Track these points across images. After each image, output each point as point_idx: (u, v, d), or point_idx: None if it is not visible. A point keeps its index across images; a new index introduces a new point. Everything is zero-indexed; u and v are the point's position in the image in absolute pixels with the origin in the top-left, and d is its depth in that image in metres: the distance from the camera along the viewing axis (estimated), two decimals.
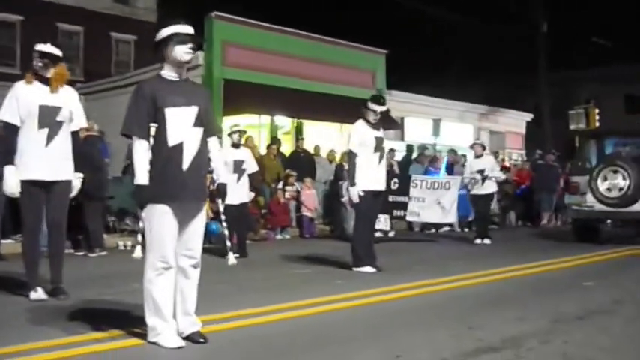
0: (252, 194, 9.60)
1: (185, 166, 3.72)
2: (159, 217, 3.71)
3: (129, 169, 12.51)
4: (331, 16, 29.69)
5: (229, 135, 9.25)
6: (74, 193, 5.50)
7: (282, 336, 4.12)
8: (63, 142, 5.29)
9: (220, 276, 6.01)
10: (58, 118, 5.23)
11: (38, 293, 5.26)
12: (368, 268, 7.19)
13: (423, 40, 30.62)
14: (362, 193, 7.18)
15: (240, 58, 15.38)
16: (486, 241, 11.15)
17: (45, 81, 5.26)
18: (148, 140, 3.74)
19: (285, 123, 16.92)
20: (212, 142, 3.96)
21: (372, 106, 7.42)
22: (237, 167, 8.92)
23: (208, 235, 10.85)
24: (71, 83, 5.50)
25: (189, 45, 3.77)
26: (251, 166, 9.20)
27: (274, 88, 15.57)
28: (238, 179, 8.88)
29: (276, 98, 15.25)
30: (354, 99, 17.93)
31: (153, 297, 3.73)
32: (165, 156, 3.72)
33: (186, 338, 3.78)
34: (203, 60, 15.62)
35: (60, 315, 4.66)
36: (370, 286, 6.07)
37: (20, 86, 5.26)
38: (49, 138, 5.19)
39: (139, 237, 3.91)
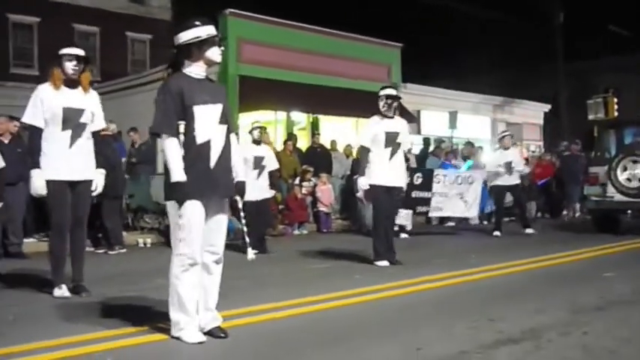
0: (273, 191, 9.61)
1: (212, 163, 3.78)
2: (188, 214, 3.74)
3: (134, 169, 12.63)
4: (345, 10, 29.66)
5: (250, 132, 9.27)
6: (99, 189, 5.60)
7: (302, 330, 4.16)
8: (85, 143, 5.41)
9: (239, 272, 6.05)
10: (82, 120, 5.36)
11: (62, 290, 5.36)
12: (385, 263, 7.20)
13: (438, 33, 30.49)
14: (367, 187, 7.22)
15: (255, 54, 15.43)
16: (529, 230, 11.18)
17: (71, 83, 5.38)
18: (178, 138, 3.78)
19: (300, 118, 16.95)
20: (231, 138, 4.00)
21: (380, 92, 7.47)
22: (258, 163, 8.94)
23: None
24: (89, 84, 5.60)
25: (221, 47, 3.89)
26: (271, 163, 9.22)
27: (290, 83, 15.60)
28: (258, 175, 8.91)
29: (291, 94, 15.28)
30: (370, 93, 17.91)
31: (178, 292, 3.76)
32: (193, 154, 3.76)
33: (207, 333, 3.82)
34: None
35: (84, 311, 4.74)
36: (389, 280, 6.08)
37: (44, 89, 5.35)
38: (73, 139, 5.31)
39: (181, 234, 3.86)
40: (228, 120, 3.91)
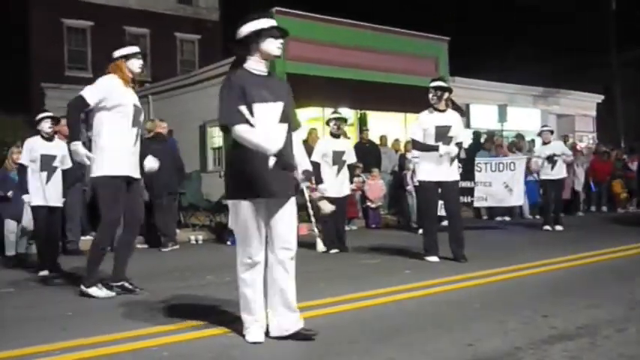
0: (354, 186, 9.28)
1: (271, 162, 3.60)
2: (244, 214, 3.67)
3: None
4: (391, 4, 29.47)
5: (327, 123, 8.92)
6: (155, 165, 5.67)
7: (352, 326, 4.16)
8: (139, 142, 5.55)
9: None
10: (141, 119, 5.55)
11: (103, 291, 5.35)
12: (435, 258, 7.15)
13: (486, 25, 30.02)
14: (415, 183, 7.15)
15: (302, 51, 15.48)
16: (558, 227, 10.91)
17: (132, 82, 5.56)
18: (249, 124, 3.62)
19: (348, 115, 16.93)
20: (295, 136, 3.86)
21: (430, 85, 7.35)
22: (338, 159, 8.47)
23: None
24: (141, 84, 5.75)
25: (281, 40, 3.75)
26: (351, 157, 8.75)
27: (337, 80, 15.61)
28: (338, 172, 8.48)
29: (339, 90, 15.28)
30: (418, 88, 17.82)
31: (242, 292, 3.76)
32: (250, 152, 3.60)
33: (293, 337, 3.72)
34: None
35: (138, 307, 4.86)
36: (439, 275, 6.05)
37: (117, 84, 5.37)
38: (137, 137, 5.47)
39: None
40: (289, 118, 3.76)
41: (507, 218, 13.37)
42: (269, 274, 3.76)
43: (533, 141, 15.43)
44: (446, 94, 7.33)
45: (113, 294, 5.37)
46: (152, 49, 26.36)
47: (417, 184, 7.41)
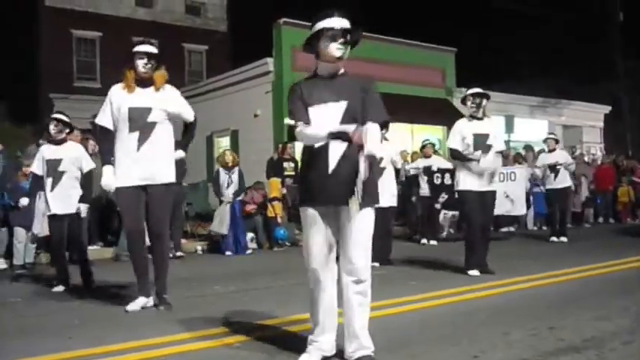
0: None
1: (331, 168, 3.34)
2: (304, 221, 3.49)
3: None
4: (398, 16, 29.56)
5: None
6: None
7: None
8: (157, 144, 5.15)
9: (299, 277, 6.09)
10: (150, 119, 5.12)
11: (134, 304, 5.20)
12: (474, 272, 6.87)
13: (492, 36, 30.04)
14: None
15: (309, 63, 15.28)
16: (563, 239, 10.88)
17: (144, 82, 5.21)
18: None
19: None
20: (370, 125, 3.29)
21: (467, 92, 7.20)
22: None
23: (276, 239, 11.06)
24: (163, 82, 5.35)
25: (341, 40, 3.48)
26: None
27: None
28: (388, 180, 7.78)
29: None
30: (424, 98, 17.94)
31: (310, 307, 3.57)
32: (310, 157, 3.44)
33: None
34: (273, 66, 15.91)
35: (145, 316, 4.90)
36: (445, 287, 6.04)
37: (115, 90, 5.21)
38: (140, 141, 5.09)
39: None
40: (357, 118, 3.37)
41: (512, 229, 13.33)
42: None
43: (543, 150, 15.41)
44: (484, 101, 7.18)
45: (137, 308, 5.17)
46: (160, 59, 26.40)
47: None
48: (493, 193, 7.12)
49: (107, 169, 5.15)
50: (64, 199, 6.42)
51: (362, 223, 3.38)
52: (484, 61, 28.24)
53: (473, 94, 7.15)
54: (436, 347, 3.84)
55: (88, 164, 6.59)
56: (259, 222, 11.15)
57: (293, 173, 13.06)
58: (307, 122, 3.42)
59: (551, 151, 11.28)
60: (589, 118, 23.89)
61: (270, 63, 16.05)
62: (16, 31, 26.19)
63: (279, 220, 11.21)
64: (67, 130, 6.65)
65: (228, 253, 10.11)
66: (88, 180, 6.60)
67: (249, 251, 10.41)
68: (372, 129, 3.22)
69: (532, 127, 20.85)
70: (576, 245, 10.38)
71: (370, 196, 3.37)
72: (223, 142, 17.98)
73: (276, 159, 13.15)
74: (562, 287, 6.15)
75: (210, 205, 12.93)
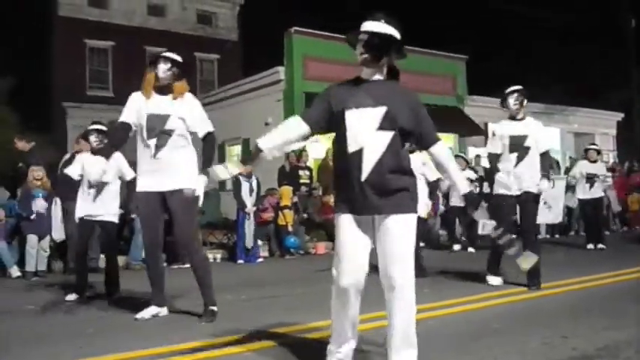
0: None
1: (364, 174, 3.24)
2: (338, 227, 3.37)
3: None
4: (409, 23, 29.55)
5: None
6: (198, 193, 5.06)
7: (369, 347, 4.14)
8: (175, 151, 5.13)
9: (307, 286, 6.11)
10: (167, 127, 5.10)
11: (145, 312, 5.21)
12: (495, 280, 6.72)
13: (503, 43, 30.00)
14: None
15: (320, 71, 15.56)
16: (600, 245, 10.98)
17: (163, 90, 5.19)
18: (310, 126, 3.38)
19: None
20: (437, 150, 3.50)
21: (506, 91, 6.89)
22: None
23: (287, 247, 11.07)
24: (183, 91, 5.37)
25: (361, 44, 3.44)
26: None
27: None
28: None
29: None
30: (435, 106, 17.89)
31: (332, 317, 3.47)
32: (344, 164, 3.32)
33: None
34: (284, 75, 15.97)
35: (158, 325, 4.91)
36: (457, 295, 6.02)
37: (136, 95, 5.22)
38: (158, 148, 5.07)
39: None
40: (395, 126, 3.30)
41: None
42: None
43: (558, 162, 15.43)
44: (525, 101, 6.87)
45: (147, 317, 5.17)
46: (183, 69, 26.55)
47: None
48: (531, 195, 6.58)
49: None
50: (105, 206, 6.48)
51: (403, 235, 3.26)
52: (496, 69, 28.17)
53: (515, 91, 6.81)
54: (449, 356, 3.83)
55: (129, 173, 6.54)
56: (272, 230, 11.19)
57: (309, 181, 13.08)
58: (317, 125, 3.39)
59: (593, 161, 11.43)
60: (601, 125, 23.76)
61: (281, 72, 16.11)
62: (29, 40, 26.47)
63: (289, 228, 11.23)
64: (105, 140, 6.55)
65: (240, 261, 10.16)
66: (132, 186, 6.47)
67: (260, 259, 10.43)
68: (453, 169, 3.55)
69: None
70: (589, 254, 10.32)
71: (414, 202, 3.34)
72: (235, 151, 18.03)
73: (288, 167, 13.17)
74: (575, 295, 6.11)
75: (221, 214, 12.96)
